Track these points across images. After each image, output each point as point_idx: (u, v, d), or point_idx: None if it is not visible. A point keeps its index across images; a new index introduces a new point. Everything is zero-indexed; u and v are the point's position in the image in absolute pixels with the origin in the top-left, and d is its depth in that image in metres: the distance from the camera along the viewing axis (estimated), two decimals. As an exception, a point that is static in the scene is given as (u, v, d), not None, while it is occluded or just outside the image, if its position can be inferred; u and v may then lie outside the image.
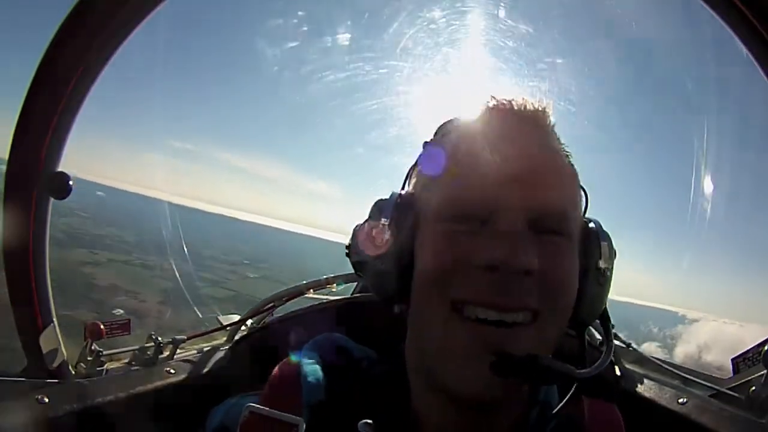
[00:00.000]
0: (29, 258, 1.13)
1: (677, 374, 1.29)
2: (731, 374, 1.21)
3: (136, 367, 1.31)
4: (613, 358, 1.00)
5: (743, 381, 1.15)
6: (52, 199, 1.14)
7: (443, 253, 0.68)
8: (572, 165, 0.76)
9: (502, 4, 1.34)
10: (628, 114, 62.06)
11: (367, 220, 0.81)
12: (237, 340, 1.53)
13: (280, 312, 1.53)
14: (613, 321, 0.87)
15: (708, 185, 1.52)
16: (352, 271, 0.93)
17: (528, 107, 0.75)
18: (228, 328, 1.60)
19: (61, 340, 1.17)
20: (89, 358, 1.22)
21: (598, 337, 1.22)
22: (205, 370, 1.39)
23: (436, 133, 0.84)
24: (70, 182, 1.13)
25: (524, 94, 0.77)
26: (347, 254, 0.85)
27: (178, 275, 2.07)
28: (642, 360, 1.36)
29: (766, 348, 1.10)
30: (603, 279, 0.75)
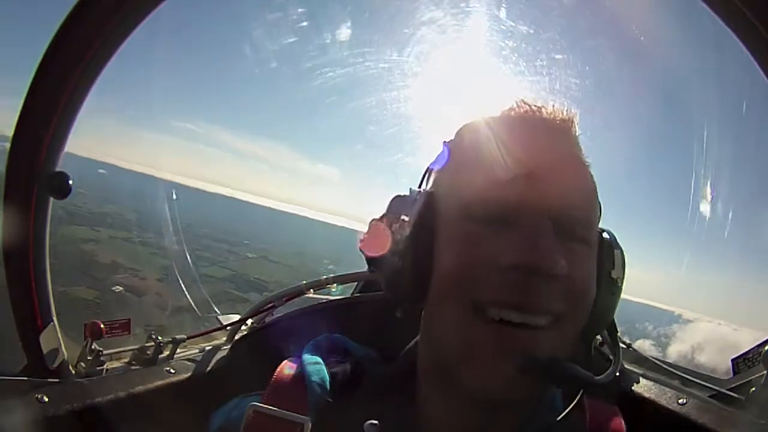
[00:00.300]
0: (29, 258, 1.13)
1: (677, 374, 1.29)
2: (731, 375, 1.21)
3: (136, 367, 1.31)
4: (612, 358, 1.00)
5: (743, 381, 1.15)
6: (52, 199, 1.14)
7: (467, 253, 0.68)
8: (592, 176, 0.76)
9: (504, 4, 1.34)
10: (626, 113, 61.40)
11: (384, 215, 0.80)
12: (237, 340, 1.53)
13: (280, 312, 1.53)
14: None
15: (707, 184, 1.52)
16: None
17: (557, 116, 0.75)
18: (228, 328, 1.60)
19: (61, 339, 1.18)
20: (89, 358, 1.22)
21: (598, 337, 1.23)
22: (205, 370, 1.39)
23: (457, 133, 0.83)
24: (70, 182, 1.13)
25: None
26: (361, 249, 0.83)
27: (186, 253, 2.07)
28: (641, 360, 1.36)
29: (766, 348, 1.10)
30: (615, 288, 0.76)
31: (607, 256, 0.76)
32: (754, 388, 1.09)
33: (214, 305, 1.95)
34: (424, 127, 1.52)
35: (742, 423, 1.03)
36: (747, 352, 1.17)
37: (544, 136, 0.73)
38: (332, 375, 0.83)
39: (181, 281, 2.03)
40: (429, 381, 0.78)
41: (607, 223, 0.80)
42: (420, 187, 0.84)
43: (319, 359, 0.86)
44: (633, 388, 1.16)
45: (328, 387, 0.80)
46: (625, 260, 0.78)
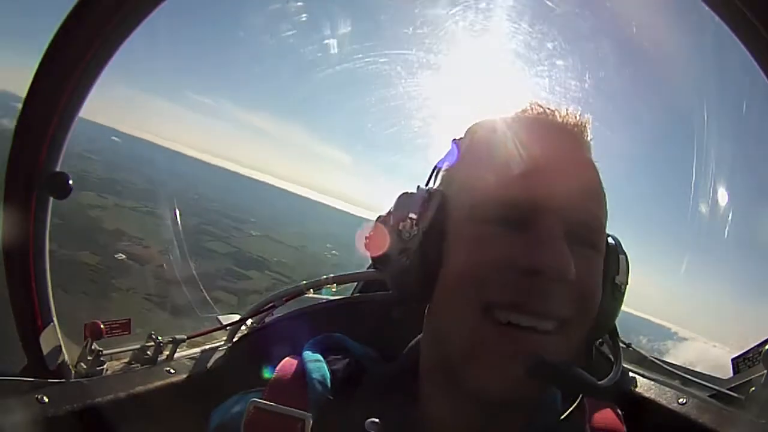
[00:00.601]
0: (29, 258, 1.13)
1: (677, 374, 1.29)
2: (731, 374, 1.21)
3: (136, 367, 1.31)
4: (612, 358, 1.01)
5: (743, 381, 1.15)
6: (52, 199, 1.15)
7: (480, 253, 0.67)
8: (602, 181, 0.76)
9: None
10: (626, 113, 62.64)
11: (390, 213, 0.79)
12: (237, 339, 1.53)
13: (280, 312, 1.53)
14: None
15: (707, 185, 1.52)
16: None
17: (571, 120, 0.75)
18: (228, 327, 1.60)
19: (61, 339, 1.18)
20: (89, 358, 1.22)
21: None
22: (205, 369, 1.39)
23: (467, 131, 0.82)
24: (70, 182, 1.13)
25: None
26: (366, 246, 0.82)
27: (181, 228, 2.07)
28: (641, 360, 1.36)
29: (766, 348, 1.10)
30: (619, 294, 0.76)
31: (613, 262, 0.76)
32: (754, 388, 1.09)
33: (213, 305, 1.95)
34: (429, 126, 1.51)
35: (742, 422, 1.03)
36: (747, 352, 1.18)
37: (559, 140, 0.73)
38: (333, 372, 0.83)
39: (186, 255, 2.03)
40: (431, 380, 0.78)
41: (611, 228, 0.79)
42: (427, 184, 0.84)
43: (319, 357, 0.86)
44: (633, 387, 1.16)
45: (329, 384, 0.80)
46: (629, 266, 0.78)
